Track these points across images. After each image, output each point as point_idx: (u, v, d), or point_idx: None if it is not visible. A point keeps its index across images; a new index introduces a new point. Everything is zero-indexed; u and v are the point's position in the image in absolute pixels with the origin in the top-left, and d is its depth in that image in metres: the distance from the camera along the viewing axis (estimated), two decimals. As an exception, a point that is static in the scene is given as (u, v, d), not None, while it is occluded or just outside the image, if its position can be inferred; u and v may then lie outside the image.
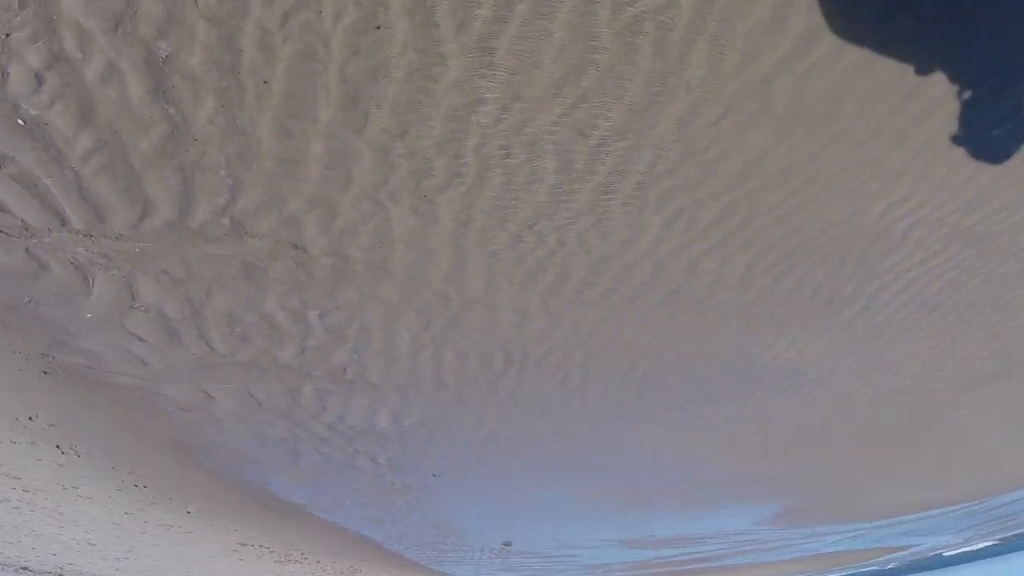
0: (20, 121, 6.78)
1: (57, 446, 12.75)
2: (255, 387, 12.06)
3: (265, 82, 6.75)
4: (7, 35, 6.11)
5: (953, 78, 6.79)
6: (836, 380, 13.13)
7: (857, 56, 6.95)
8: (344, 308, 10.00)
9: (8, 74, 6.40)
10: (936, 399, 14.08)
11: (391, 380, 12.06)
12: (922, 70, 6.67)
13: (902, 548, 43.02)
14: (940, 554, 47.63)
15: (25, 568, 18.49)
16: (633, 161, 7.71)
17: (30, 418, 11.31)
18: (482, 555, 29.42)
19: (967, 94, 6.85)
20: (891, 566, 49.49)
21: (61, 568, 19.25)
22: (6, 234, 7.89)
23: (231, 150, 7.29)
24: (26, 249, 8.16)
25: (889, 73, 7.10)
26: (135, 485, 15.32)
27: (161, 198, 7.62)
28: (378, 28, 6.38)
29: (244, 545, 22.37)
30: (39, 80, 6.53)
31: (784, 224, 8.79)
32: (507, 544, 27.42)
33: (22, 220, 7.77)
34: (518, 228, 8.52)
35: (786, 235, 8.97)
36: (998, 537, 42.86)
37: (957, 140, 7.45)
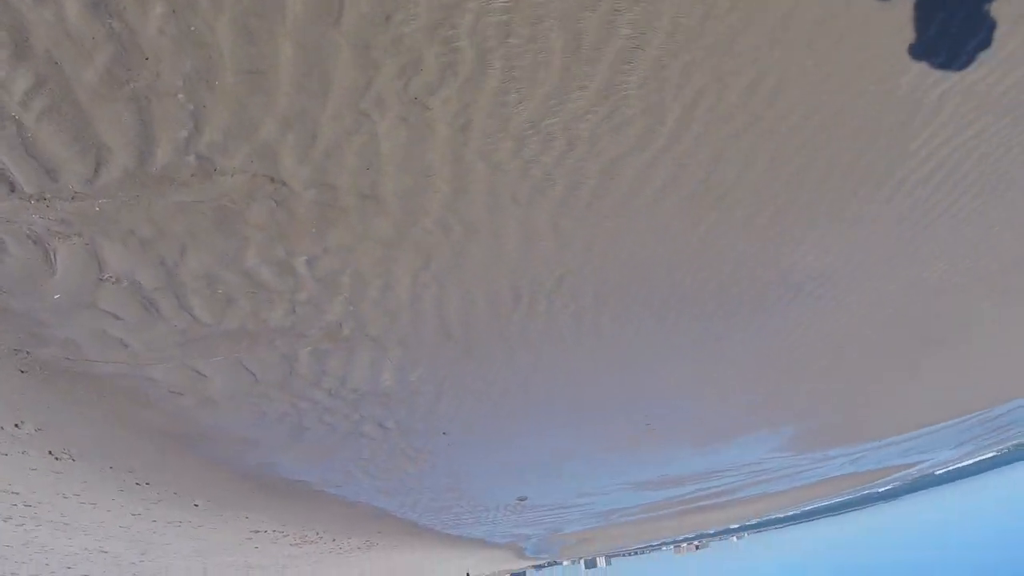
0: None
1: (50, 452, 11.88)
2: (247, 358, 11.02)
3: (218, -29, 5.54)
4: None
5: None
6: (863, 280, 12.22)
7: None
8: (334, 252, 8.89)
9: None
10: (963, 298, 13.16)
11: (392, 333, 11.00)
12: None
13: (904, 467, 42.65)
14: (932, 473, 47.26)
15: (43, 586, 17.33)
16: (648, 31, 6.56)
17: (16, 425, 10.58)
18: (497, 513, 28.64)
19: None
20: (889, 487, 49.27)
21: (79, 581, 17.97)
22: (-55, 215, 6.70)
23: (188, 66, 6.14)
24: (-28, 231, 6.90)
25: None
26: (137, 484, 14.55)
27: (116, 141, 6.55)
28: None
29: (257, 532, 21.86)
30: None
31: (814, 96, 7.68)
32: (522, 499, 26.66)
33: (-40, 194, 6.53)
34: (522, 129, 7.41)
35: (816, 108, 7.87)
36: (996, 448, 42.60)
37: None
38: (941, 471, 45.96)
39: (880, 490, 46.14)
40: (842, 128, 8.35)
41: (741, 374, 15.55)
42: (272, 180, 7.59)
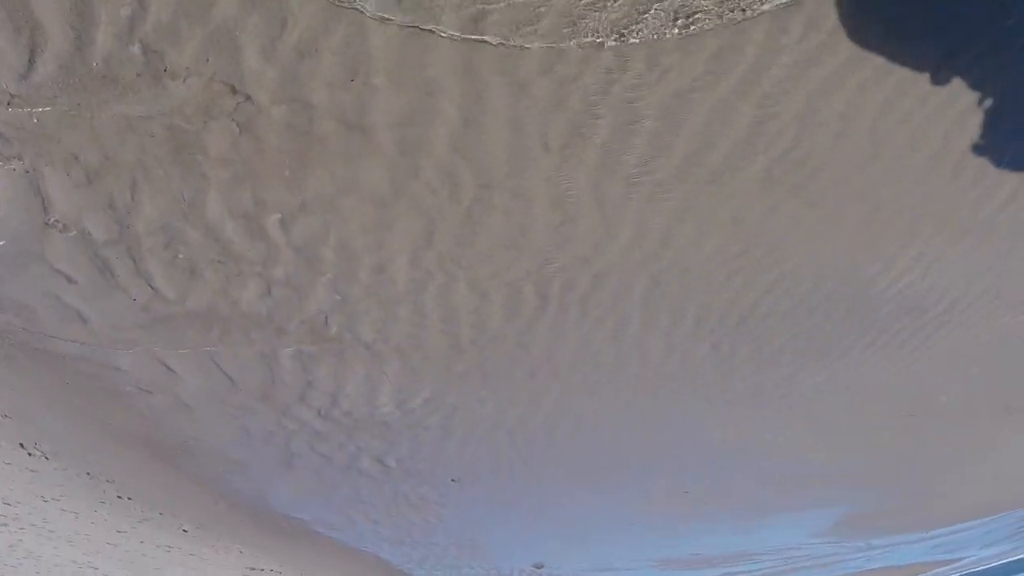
0: None
1: (21, 444, 10.42)
2: (221, 353, 8.95)
3: None
4: None
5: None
6: (960, 317, 9.44)
7: None
8: (313, 209, 6.65)
9: None
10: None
11: (389, 337, 8.64)
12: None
13: (937, 564, 38.23)
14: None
15: (34, 597, 15.91)
16: None
17: (-21, 409, 9.00)
18: (511, 579, 25.40)
19: None
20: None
21: (70, 597, 16.56)
22: None
23: None
24: None
25: None
26: (118, 497, 12.71)
27: (50, 18, 5.15)
28: None
29: (254, 570, 18.86)
30: None
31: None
32: (539, 566, 23.49)
33: None
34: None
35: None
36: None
37: None
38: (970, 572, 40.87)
39: None
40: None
41: (802, 436, 12.63)
42: (233, 91, 5.66)
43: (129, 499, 12.72)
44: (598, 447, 12.32)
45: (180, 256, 7.15)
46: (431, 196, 6.54)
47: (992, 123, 6.75)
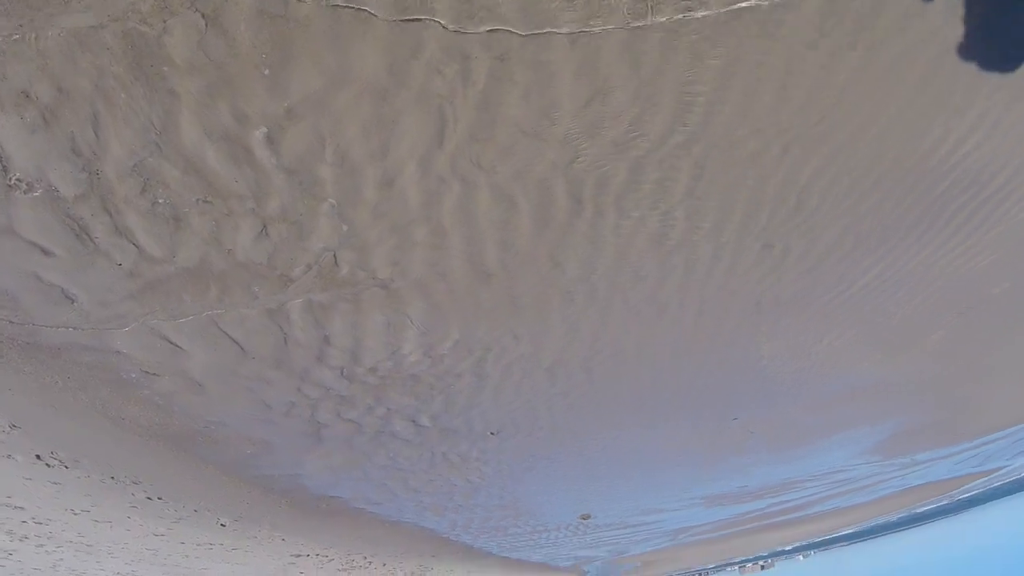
0: None
1: (37, 456, 9.57)
2: (224, 318, 7.83)
3: None
4: None
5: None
6: (1020, 192, 8.18)
7: None
8: (301, 113, 5.55)
9: None
10: None
11: (407, 270, 7.48)
12: None
13: (982, 475, 37.08)
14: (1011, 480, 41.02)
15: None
16: None
17: (-11, 422, 8.28)
18: (558, 534, 24.42)
19: None
20: (969, 495, 43.11)
21: (117, 610, 15.82)
22: None
23: None
24: None
25: None
26: (148, 498, 11.88)
27: None
28: None
29: (299, 556, 18.53)
30: None
31: None
32: (585, 517, 22.51)
33: None
34: None
35: None
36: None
37: None
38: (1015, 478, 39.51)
39: (960, 498, 39.95)
40: None
41: (853, 345, 11.45)
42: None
43: (160, 499, 11.95)
44: (642, 378, 11.18)
45: (160, 201, 6.02)
46: (438, 78, 5.29)
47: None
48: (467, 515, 18.71)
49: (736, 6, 5.39)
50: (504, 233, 7.11)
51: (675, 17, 5.31)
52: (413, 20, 5.02)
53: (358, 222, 6.61)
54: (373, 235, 6.80)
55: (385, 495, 15.11)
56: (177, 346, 8.05)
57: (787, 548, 47.32)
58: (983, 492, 42.04)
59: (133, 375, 8.44)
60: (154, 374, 8.53)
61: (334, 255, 7.05)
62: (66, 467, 10.01)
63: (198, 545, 14.63)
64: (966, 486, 40.09)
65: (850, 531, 46.41)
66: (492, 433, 12.72)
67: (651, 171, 6.71)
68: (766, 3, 5.41)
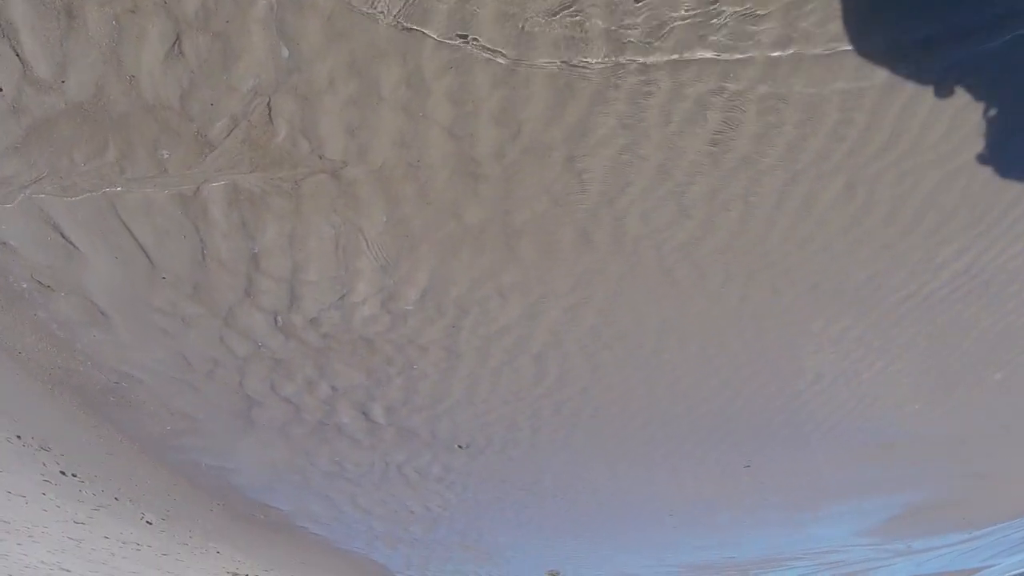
0: None
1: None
2: (125, 203, 5.57)
3: None
4: None
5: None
6: None
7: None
8: None
9: None
10: None
11: (365, 145, 4.82)
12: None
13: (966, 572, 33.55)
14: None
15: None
16: None
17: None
18: (522, 589, 21.01)
19: None
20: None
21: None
22: None
23: None
24: None
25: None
26: (62, 473, 9.63)
27: None
28: None
29: (237, 575, 15.14)
30: None
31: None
32: (553, 574, 19.15)
33: None
34: None
35: None
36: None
37: None
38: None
39: None
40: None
41: (916, 366, 8.72)
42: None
43: (75, 476, 9.68)
44: (657, 383, 8.39)
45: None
46: None
47: None
48: (424, 553, 15.59)
49: None
50: (508, 112, 4.42)
51: None
52: None
53: (304, 46, 3.94)
54: (322, 72, 4.19)
55: (331, 512, 12.10)
56: (72, 244, 5.79)
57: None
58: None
59: (24, 284, 6.28)
60: (48, 287, 6.27)
61: (268, 104, 4.42)
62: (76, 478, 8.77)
63: (124, 543, 12.10)
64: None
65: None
66: (460, 446, 9.89)
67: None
68: None
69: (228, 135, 4.95)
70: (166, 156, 5.10)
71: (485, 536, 14.54)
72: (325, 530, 13.19)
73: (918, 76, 4.90)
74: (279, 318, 6.85)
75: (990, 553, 27.32)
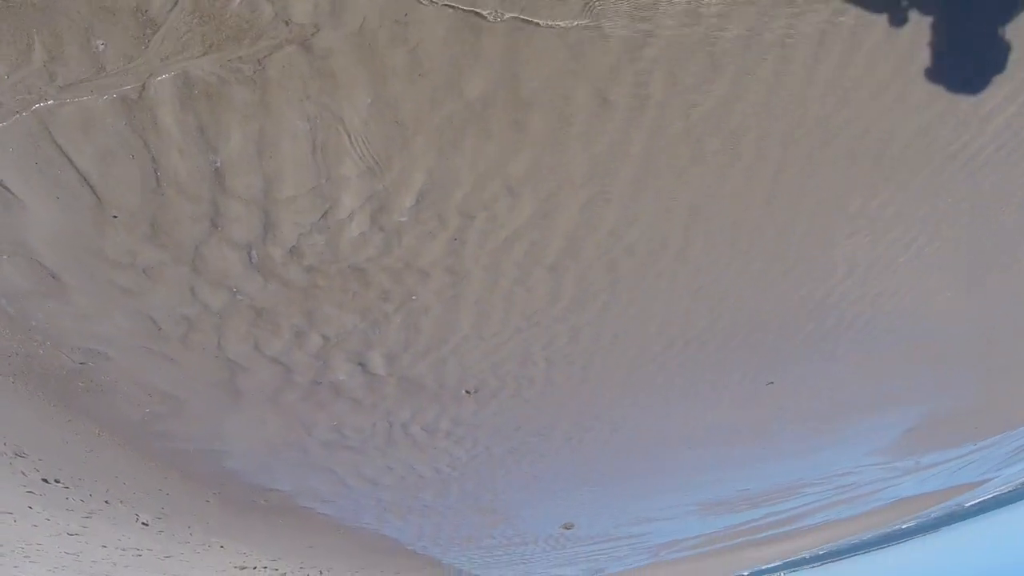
0: None
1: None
2: (58, 116, 4.48)
3: None
4: None
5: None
6: None
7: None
8: None
9: None
10: None
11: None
12: None
13: (969, 487, 33.61)
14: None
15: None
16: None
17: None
18: (536, 548, 20.26)
19: None
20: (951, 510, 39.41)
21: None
22: None
23: None
24: None
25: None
26: (44, 481, 8.69)
27: None
28: None
29: (244, 568, 14.65)
30: None
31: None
32: (568, 526, 18.44)
33: None
34: None
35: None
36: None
37: None
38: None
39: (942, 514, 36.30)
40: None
41: (953, 248, 7.86)
42: None
43: (58, 482, 8.74)
44: (679, 284, 7.48)
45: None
46: None
47: None
48: (436, 521, 14.66)
49: None
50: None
51: None
52: None
53: None
54: None
55: (335, 488, 11.10)
56: (5, 188, 4.77)
57: (766, 567, 43.26)
58: (964, 509, 38.46)
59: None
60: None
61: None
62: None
63: (123, 551, 11.38)
64: (954, 499, 36.53)
65: (828, 549, 42.59)
66: (468, 392, 8.90)
67: None
68: None
69: (173, 6, 3.84)
70: (102, 48, 3.99)
71: (500, 495, 13.62)
72: (331, 508, 12.21)
73: None
74: (254, 252, 5.77)
75: (989, 466, 27.09)
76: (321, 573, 17.42)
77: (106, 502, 9.54)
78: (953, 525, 40.40)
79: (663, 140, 5.30)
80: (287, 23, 4.08)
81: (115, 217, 5.20)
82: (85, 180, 4.78)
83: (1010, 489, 36.31)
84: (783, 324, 8.66)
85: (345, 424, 9.11)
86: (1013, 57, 5.42)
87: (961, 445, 20.65)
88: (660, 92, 4.94)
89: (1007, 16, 5.14)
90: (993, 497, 36.30)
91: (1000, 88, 5.70)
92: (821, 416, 12.61)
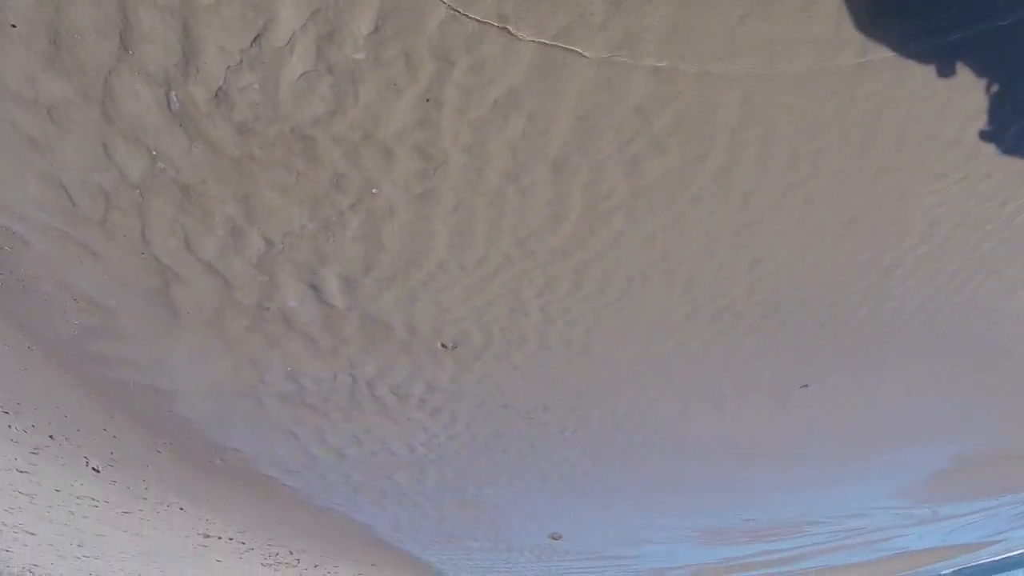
0: None
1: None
2: None
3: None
4: None
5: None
6: None
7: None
8: None
9: None
10: None
11: None
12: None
13: (977, 546, 31.03)
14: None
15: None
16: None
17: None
18: (519, 556, 18.29)
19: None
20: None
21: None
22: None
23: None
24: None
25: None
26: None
27: None
28: None
29: (209, 537, 12.90)
30: None
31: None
32: (556, 537, 16.42)
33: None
34: None
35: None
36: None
37: None
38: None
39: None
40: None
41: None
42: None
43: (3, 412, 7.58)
44: (715, 229, 5.49)
45: None
46: None
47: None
48: (413, 511, 12.75)
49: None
50: None
51: None
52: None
53: None
54: None
55: (298, 456, 9.41)
56: None
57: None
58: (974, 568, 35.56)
59: None
60: None
61: None
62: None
63: (78, 499, 10.26)
64: (954, 558, 33.80)
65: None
66: (444, 346, 7.11)
67: None
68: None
69: None
70: None
71: (484, 489, 11.73)
72: (296, 481, 10.48)
73: None
74: (173, 94, 4.01)
75: (996, 527, 24.86)
76: (292, 553, 15.75)
77: (51, 437, 8.32)
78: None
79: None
80: None
81: (13, 26, 3.52)
82: None
83: (1017, 553, 33.85)
84: (834, 304, 6.69)
85: (302, 371, 7.37)
86: None
87: (983, 498, 18.37)
88: None
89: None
90: (1001, 559, 33.74)
91: None
92: (852, 438, 10.55)
